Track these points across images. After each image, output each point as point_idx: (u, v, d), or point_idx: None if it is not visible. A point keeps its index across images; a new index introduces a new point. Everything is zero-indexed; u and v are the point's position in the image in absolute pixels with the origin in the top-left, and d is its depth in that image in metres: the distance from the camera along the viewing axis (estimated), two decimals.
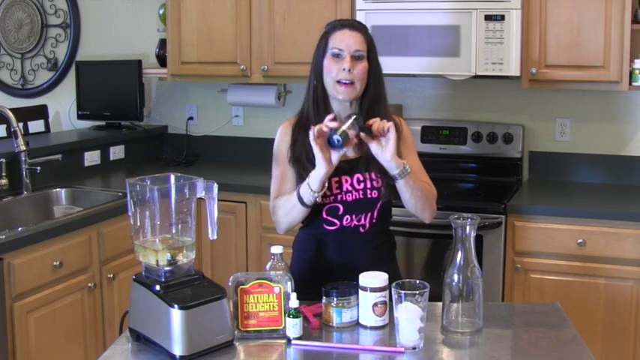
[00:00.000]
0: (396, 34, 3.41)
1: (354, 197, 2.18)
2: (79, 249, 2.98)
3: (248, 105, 4.19)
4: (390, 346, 1.83)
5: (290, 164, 2.22)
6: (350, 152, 2.20)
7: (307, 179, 2.10)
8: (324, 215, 2.20)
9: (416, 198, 2.16)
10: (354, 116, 2.08)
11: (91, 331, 3.05)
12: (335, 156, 2.06)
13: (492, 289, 3.14)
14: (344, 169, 2.17)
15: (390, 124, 2.04)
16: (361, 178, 2.18)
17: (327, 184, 2.12)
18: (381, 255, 2.25)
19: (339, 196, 2.17)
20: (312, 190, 2.08)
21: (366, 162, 2.18)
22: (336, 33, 2.19)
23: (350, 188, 2.17)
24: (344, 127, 2.02)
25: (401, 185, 2.12)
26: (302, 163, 2.18)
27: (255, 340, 1.87)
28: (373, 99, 2.21)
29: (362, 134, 2.06)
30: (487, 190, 3.46)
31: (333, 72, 2.16)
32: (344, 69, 2.14)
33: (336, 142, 2.01)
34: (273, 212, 2.25)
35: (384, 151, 2.06)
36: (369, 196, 2.18)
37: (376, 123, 2.06)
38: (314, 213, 2.20)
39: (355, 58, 2.16)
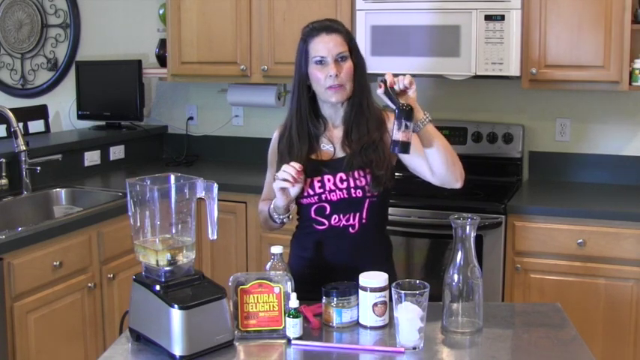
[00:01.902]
0: (396, 34, 3.41)
1: (338, 197, 2.18)
2: (79, 249, 2.98)
3: (248, 105, 4.19)
4: (390, 346, 1.82)
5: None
6: (335, 152, 2.22)
7: (272, 203, 2.20)
8: (313, 215, 2.22)
9: (445, 147, 2.09)
10: (396, 121, 1.96)
11: (91, 331, 3.06)
12: (294, 191, 2.13)
13: (492, 289, 3.14)
14: (326, 168, 2.19)
15: (408, 77, 1.98)
16: (344, 177, 2.18)
17: (307, 189, 2.18)
18: (375, 257, 2.23)
19: (323, 196, 2.19)
20: (277, 214, 2.20)
21: (349, 161, 2.18)
22: (314, 39, 2.18)
23: (333, 187, 2.18)
24: (398, 137, 1.93)
25: (426, 135, 2.05)
26: None
27: (255, 340, 1.87)
28: (361, 96, 2.21)
29: (401, 107, 1.95)
30: (487, 190, 3.46)
31: (321, 80, 2.16)
32: (330, 75, 2.14)
33: (401, 152, 1.96)
34: (259, 213, 2.38)
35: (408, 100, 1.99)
36: (353, 195, 2.18)
37: (396, 83, 1.98)
38: (304, 212, 2.25)
39: (339, 61, 2.16)
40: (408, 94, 1.99)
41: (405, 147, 1.94)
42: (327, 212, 2.20)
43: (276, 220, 2.23)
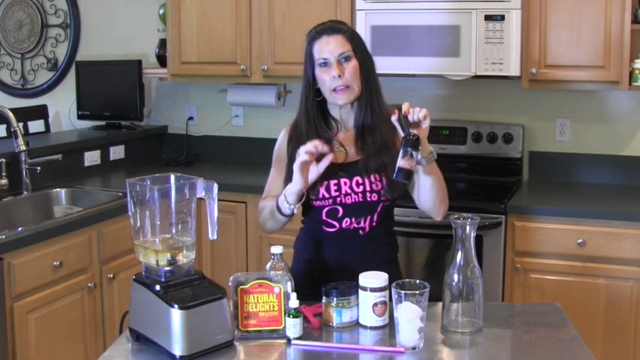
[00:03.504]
0: (396, 34, 3.41)
1: (353, 200, 2.16)
2: (79, 249, 2.98)
3: (248, 105, 4.19)
4: (390, 346, 1.83)
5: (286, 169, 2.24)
6: (348, 154, 2.21)
7: (284, 191, 2.13)
8: (324, 217, 2.19)
9: (438, 186, 2.14)
10: (402, 148, 1.99)
11: (91, 331, 3.06)
12: (312, 174, 2.08)
13: (492, 289, 3.14)
14: (342, 171, 2.17)
15: (424, 110, 2.02)
16: (360, 181, 2.16)
17: (323, 191, 2.15)
18: (381, 257, 2.23)
19: (337, 199, 2.17)
20: (288, 203, 2.12)
21: (365, 164, 2.17)
22: (317, 42, 2.17)
23: (349, 191, 2.16)
24: (401, 165, 1.97)
25: (427, 171, 2.09)
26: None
27: (255, 340, 1.87)
28: (370, 96, 2.20)
29: (410, 136, 1.99)
30: (487, 190, 3.46)
31: (327, 82, 2.15)
32: (334, 77, 2.13)
33: (403, 180, 2.00)
34: (259, 212, 2.30)
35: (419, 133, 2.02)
36: (368, 199, 2.16)
37: (410, 113, 2.01)
38: (314, 214, 2.22)
39: (342, 61, 2.15)
40: (420, 127, 2.01)
41: (408, 175, 1.98)
42: (340, 215, 2.18)
43: (286, 212, 2.14)
